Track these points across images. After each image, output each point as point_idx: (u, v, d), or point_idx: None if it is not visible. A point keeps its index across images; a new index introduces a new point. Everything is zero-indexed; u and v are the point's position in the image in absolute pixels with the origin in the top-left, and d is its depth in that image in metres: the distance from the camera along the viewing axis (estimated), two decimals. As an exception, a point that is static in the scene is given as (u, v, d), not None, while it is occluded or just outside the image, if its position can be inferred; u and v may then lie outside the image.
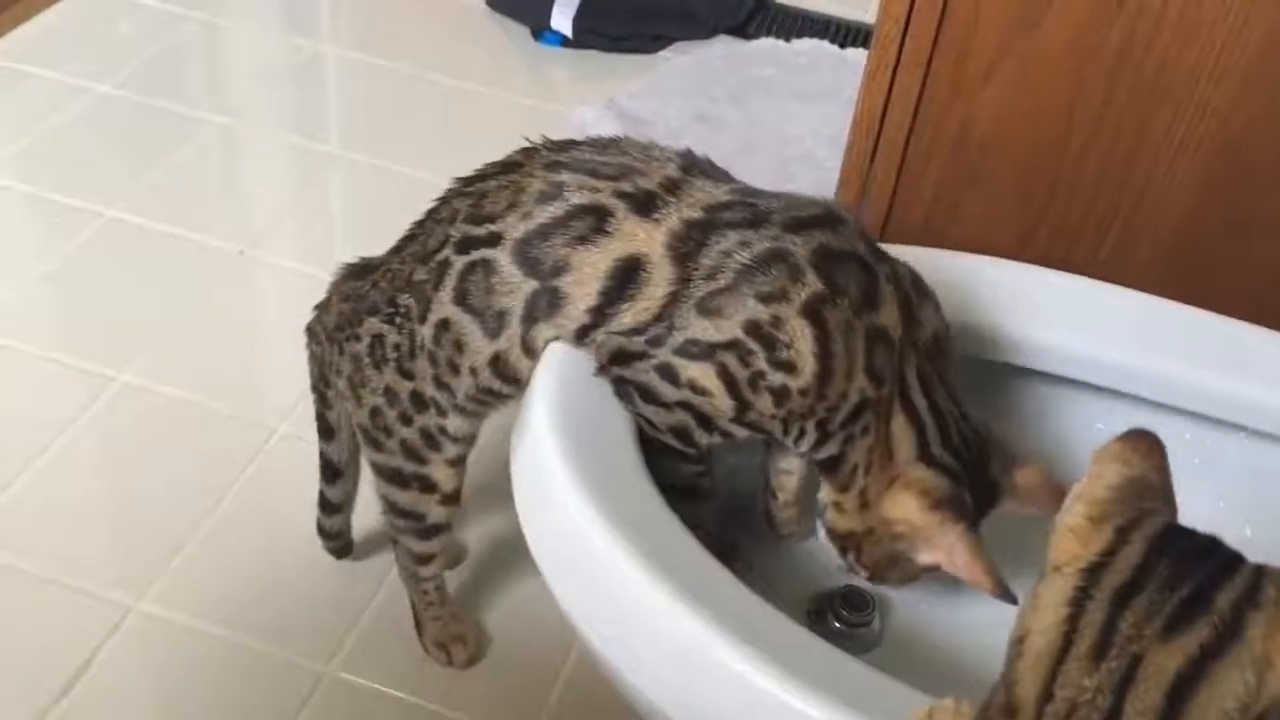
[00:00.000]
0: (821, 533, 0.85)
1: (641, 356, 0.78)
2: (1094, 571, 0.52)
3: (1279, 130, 1.06)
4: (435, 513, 1.00)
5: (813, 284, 0.75)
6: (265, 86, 1.94)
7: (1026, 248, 1.18)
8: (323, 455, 1.09)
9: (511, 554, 1.21)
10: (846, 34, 2.11)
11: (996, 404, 0.96)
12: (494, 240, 0.81)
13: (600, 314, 0.79)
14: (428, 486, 0.98)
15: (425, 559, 1.06)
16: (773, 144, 1.83)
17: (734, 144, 1.83)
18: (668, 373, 0.78)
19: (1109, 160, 1.13)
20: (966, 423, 0.81)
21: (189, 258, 1.55)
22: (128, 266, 1.54)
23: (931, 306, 0.82)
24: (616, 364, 0.79)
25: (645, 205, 0.78)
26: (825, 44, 2.08)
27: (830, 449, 0.80)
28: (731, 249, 0.76)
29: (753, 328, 0.75)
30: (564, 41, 2.01)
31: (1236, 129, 1.08)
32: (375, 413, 0.93)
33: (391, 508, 1.01)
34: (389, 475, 0.98)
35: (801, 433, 0.79)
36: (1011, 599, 0.76)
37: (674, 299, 0.77)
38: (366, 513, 1.14)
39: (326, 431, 1.07)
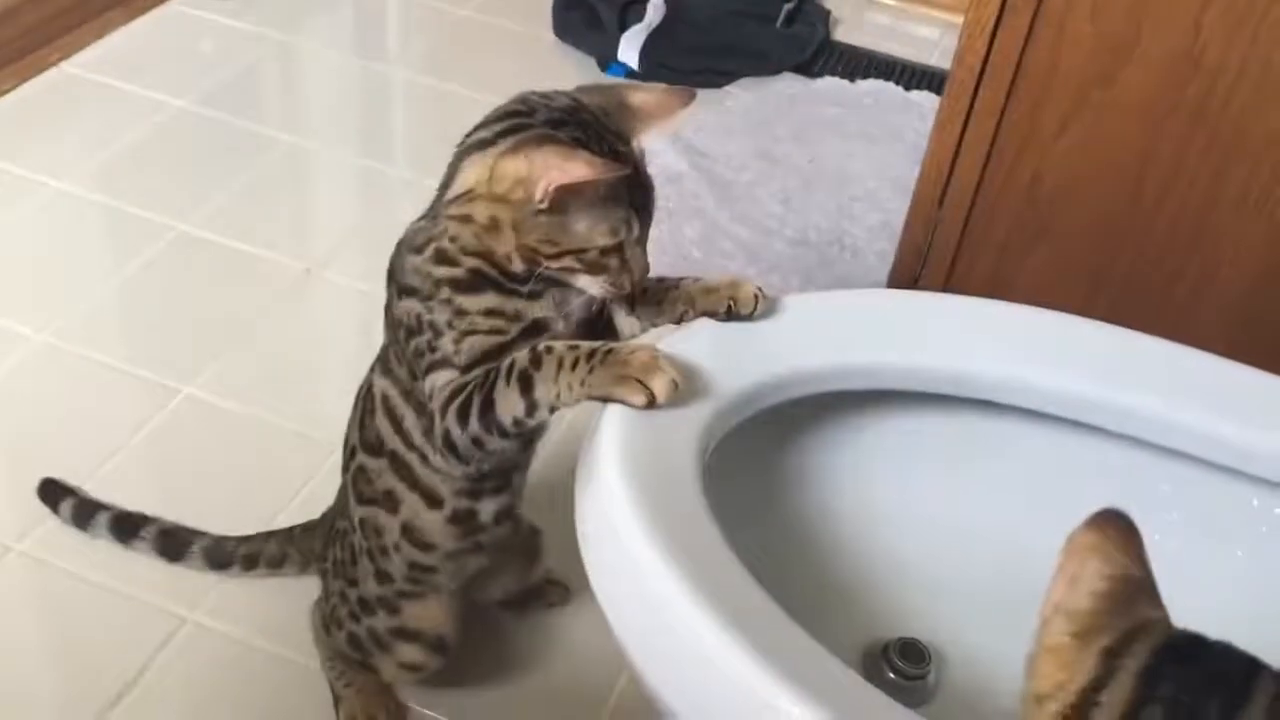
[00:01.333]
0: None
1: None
2: (1083, 712, 0.45)
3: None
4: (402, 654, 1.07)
5: (389, 291, 0.92)
6: (336, 108, 1.98)
7: (1093, 300, 1.17)
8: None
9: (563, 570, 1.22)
10: (911, 76, 2.11)
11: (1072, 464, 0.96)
12: (354, 451, 1.00)
13: (410, 444, 0.94)
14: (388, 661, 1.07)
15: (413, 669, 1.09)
16: (834, 183, 1.84)
17: (796, 181, 1.84)
18: (438, 425, 0.88)
19: (1180, 217, 1.13)
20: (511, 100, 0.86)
21: (257, 274, 1.58)
22: (197, 281, 1.57)
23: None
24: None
25: (380, 363, 0.97)
26: (890, 85, 2.08)
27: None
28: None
29: (406, 343, 0.91)
30: (630, 74, 2.03)
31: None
32: (333, 610, 1.08)
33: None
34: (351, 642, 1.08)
35: (492, 310, 0.86)
36: (624, 170, 0.80)
37: (405, 394, 0.95)
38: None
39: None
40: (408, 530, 0.97)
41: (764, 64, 2.09)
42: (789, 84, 2.08)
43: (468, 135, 0.86)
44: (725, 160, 1.87)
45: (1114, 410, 0.91)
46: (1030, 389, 0.91)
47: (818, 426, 0.94)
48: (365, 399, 0.99)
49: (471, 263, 0.85)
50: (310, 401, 1.46)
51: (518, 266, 0.84)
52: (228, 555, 1.20)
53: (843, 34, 2.23)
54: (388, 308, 0.92)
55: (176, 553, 1.20)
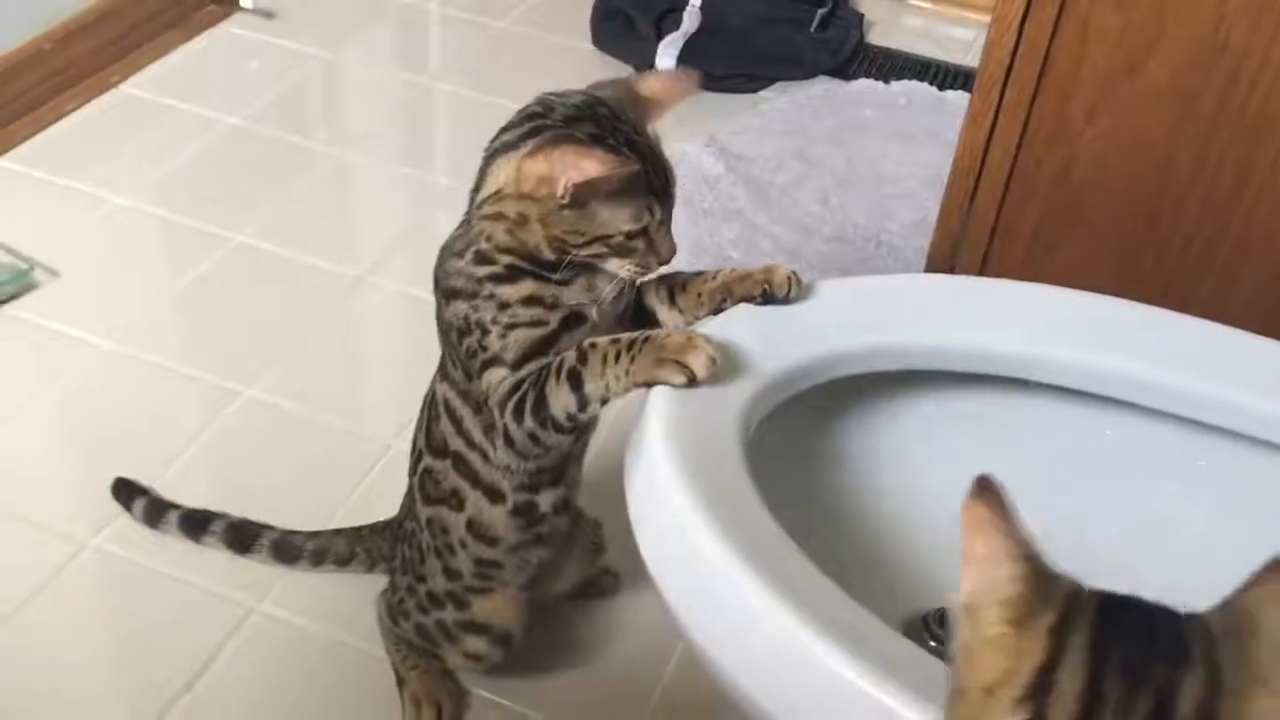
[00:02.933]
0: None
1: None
2: (1039, 697, 0.47)
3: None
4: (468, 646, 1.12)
5: (438, 299, 0.97)
6: (381, 121, 2.03)
7: (1125, 286, 1.20)
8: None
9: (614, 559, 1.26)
10: (945, 76, 2.14)
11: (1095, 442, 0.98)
12: (420, 455, 1.05)
13: (472, 444, 0.99)
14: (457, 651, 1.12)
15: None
16: (870, 182, 1.87)
17: (833, 182, 1.87)
18: (501, 422, 0.94)
19: (1210, 201, 1.15)
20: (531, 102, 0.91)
21: (309, 281, 1.64)
22: (253, 288, 1.63)
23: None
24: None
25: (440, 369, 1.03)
26: (924, 86, 2.11)
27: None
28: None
29: (460, 344, 0.96)
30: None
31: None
32: (400, 602, 1.13)
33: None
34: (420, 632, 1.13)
35: (530, 298, 0.91)
36: (634, 168, 0.84)
37: (463, 395, 0.99)
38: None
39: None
40: (473, 526, 1.02)
41: (799, 68, 2.13)
42: (824, 87, 2.11)
43: (494, 139, 0.92)
44: (762, 163, 1.90)
45: (1146, 386, 0.93)
46: (1063, 367, 0.93)
47: (856, 407, 0.97)
48: (430, 405, 1.04)
49: (507, 259, 0.91)
50: (362, 402, 1.51)
51: (549, 255, 0.89)
52: (295, 550, 1.25)
53: (877, 37, 2.26)
54: (438, 314, 0.97)
55: (245, 546, 1.25)
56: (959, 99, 2.03)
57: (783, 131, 1.98)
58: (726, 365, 0.84)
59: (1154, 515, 0.98)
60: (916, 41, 2.25)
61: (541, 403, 0.90)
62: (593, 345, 0.88)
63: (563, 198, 0.85)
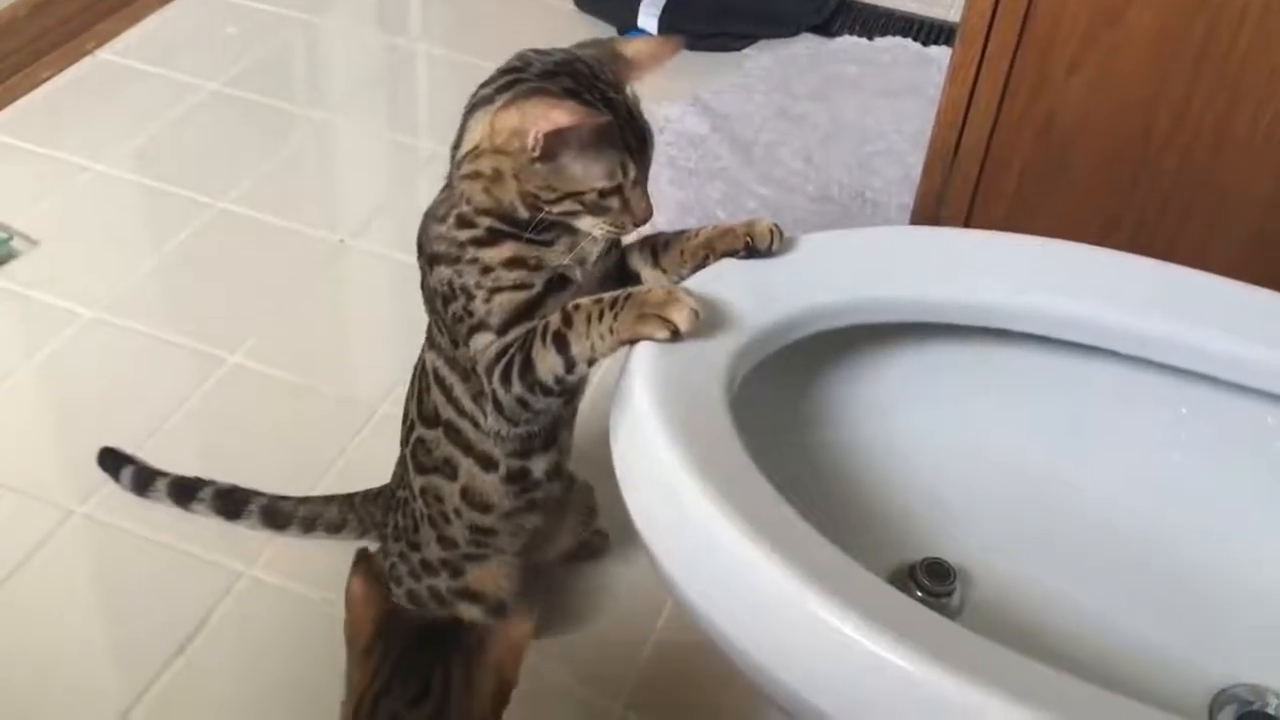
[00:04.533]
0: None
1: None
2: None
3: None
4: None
5: (421, 266, 0.97)
6: (362, 84, 2.02)
7: (1108, 238, 1.20)
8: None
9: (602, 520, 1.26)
10: (929, 31, 2.13)
11: (1085, 387, 0.99)
12: (413, 425, 1.05)
13: (463, 413, 1.00)
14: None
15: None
16: (854, 139, 1.86)
17: (816, 139, 1.86)
18: (491, 388, 0.94)
19: (1191, 152, 1.15)
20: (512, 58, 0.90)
21: (293, 247, 1.63)
22: (236, 255, 1.62)
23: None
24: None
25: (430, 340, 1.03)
26: (908, 41, 2.10)
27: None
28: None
29: (445, 310, 0.95)
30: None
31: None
32: (392, 568, 1.13)
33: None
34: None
35: (513, 260, 0.91)
36: (600, 117, 0.84)
37: (449, 363, 0.99)
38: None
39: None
40: (466, 494, 1.02)
41: (781, 26, 2.11)
42: (807, 44, 2.10)
43: (473, 95, 0.91)
44: (746, 121, 1.90)
45: (1129, 335, 0.93)
46: (1045, 317, 0.94)
47: (841, 360, 0.97)
48: (420, 375, 1.04)
49: (487, 221, 0.90)
50: (348, 367, 1.51)
51: (523, 213, 0.89)
52: (286, 516, 1.24)
53: (859, -7, 2.24)
54: (423, 282, 0.97)
55: (234, 513, 1.25)
56: (942, 54, 2.02)
57: (766, 90, 1.97)
58: (710, 320, 0.84)
59: (1137, 462, 0.99)
60: (898, -4, 2.23)
61: (529, 367, 0.89)
62: (576, 306, 0.88)
63: (533, 150, 0.85)
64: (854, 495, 0.97)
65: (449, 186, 0.93)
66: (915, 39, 2.11)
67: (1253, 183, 1.15)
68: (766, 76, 2.01)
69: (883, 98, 1.96)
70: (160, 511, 1.28)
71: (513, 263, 0.90)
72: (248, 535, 1.26)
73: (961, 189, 1.24)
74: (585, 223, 0.89)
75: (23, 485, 1.30)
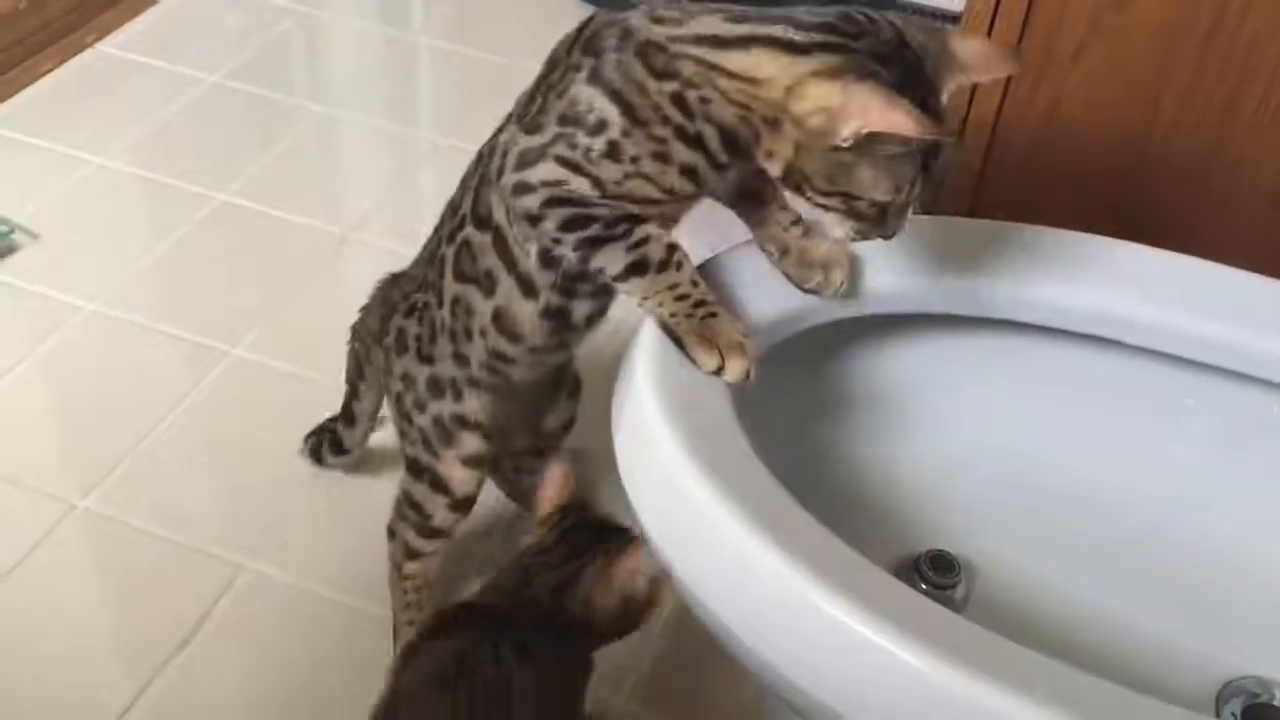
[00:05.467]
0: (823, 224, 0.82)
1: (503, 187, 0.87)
2: None
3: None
4: (440, 515, 1.06)
5: (585, 65, 0.82)
6: (364, 77, 2.01)
7: (1112, 226, 1.19)
8: (335, 433, 1.28)
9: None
10: (932, 19, 2.11)
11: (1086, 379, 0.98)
12: (463, 221, 0.94)
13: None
14: (438, 484, 1.04)
15: (414, 554, 1.10)
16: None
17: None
18: (522, 187, 0.84)
19: (1197, 138, 1.14)
20: (833, 7, 0.78)
21: (294, 240, 1.62)
22: (237, 248, 1.61)
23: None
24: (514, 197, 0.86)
25: (521, 119, 0.89)
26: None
27: (702, 142, 0.80)
28: (554, 99, 0.85)
29: (562, 119, 0.82)
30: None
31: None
32: (398, 399, 1.05)
33: (405, 497, 1.08)
34: (411, 465, 1.06)
35: (678, 161, 0.80)
36: (950, 134, 0.74)
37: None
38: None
39: (349, 419, 1.24)
40: (499, 316, 0.93)
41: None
42: (810, 34, 2.08)
43: (756, 22, 0.78)
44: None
45: (1135, 325, 0.93)
46: (1053, 307, 0.93)
47: (845, 351, 0.97)
48: (486, 159, 0.91)
49: (707, 128, 0.79)
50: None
51: (774, 171, 0.79)
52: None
53: (862, -18, 2.23)
54: (556, 63, 0.86)
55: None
56: (946, 43, 2.01)
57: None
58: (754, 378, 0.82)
59: (1143, 453, 0.98)
60: (903, -15, 2.22)
61: (595, 244, 0.82)
62: (679, 264, 0.82)
63: (845, 140, 0.74)
64: (859, 487, 0.97)
65: (667, 53, 0.79)
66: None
67: (1260, 169, 1.14)
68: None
69: (887, 86, 1.95)
70: (162, 505, 1.27)
71: (686, 171, 0.81)
72: (250, 529, 1.26)
73: (966, 176, 1.23)
74: (830, 219, 0.80)
75: (26, 479, 1.30)
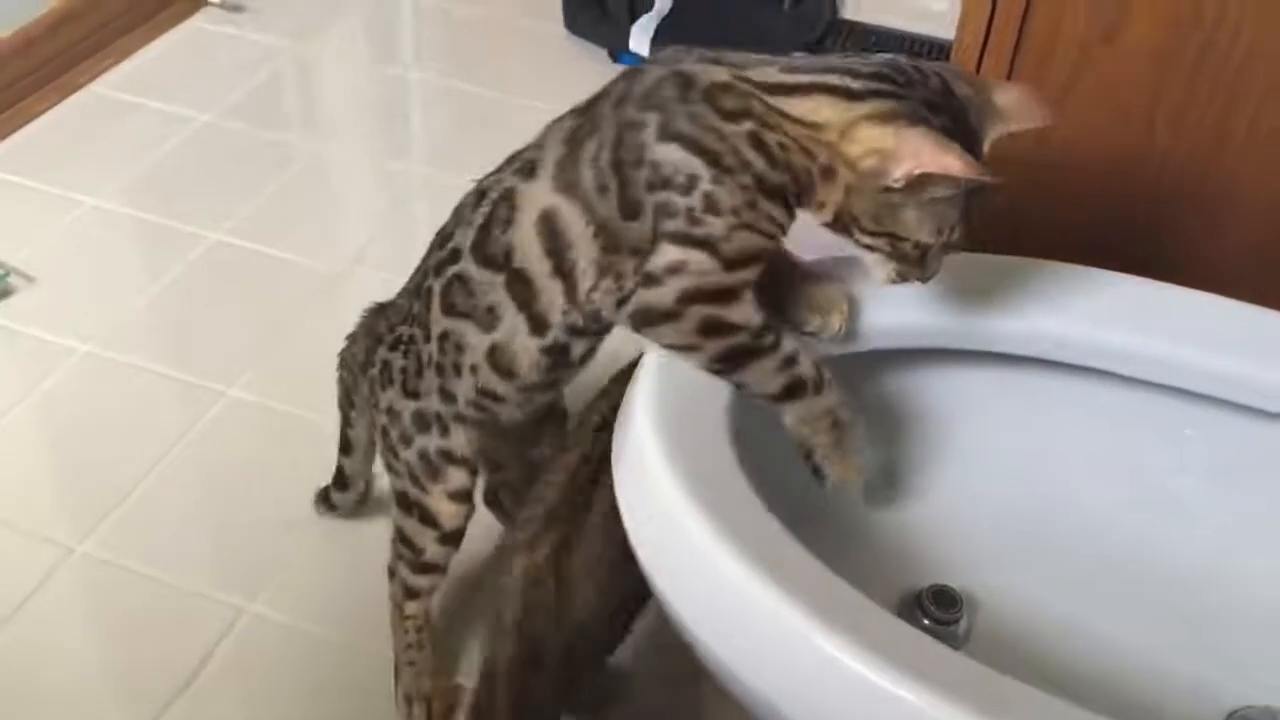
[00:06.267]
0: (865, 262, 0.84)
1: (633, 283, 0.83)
2: None
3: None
4: (431, 549, 1.06)
5: (651, 122, 0.81)
6: (357, 114, 2.02)
7: (1110, 255, 1.19)
8: (339, 465, 1.25)
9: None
10: (921, 49, 2.13)
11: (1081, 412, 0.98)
12: (456, 256, 0.92)
13: (560, 272, 0.86)
14: (427, 518, 1.04)
15: (413, 593, 1.10)
16: (850, 158, 1.86)
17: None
18: (647, 278, 0.81)
19: (1189, 166, 1.15)
20: (882, 62, 0.80)
21: (290, 278, 1.63)
22: (232, 287, 1.62)
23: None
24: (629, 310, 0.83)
25: (530, 170, 0.87)
26: (900, 60, 2.10)
27: (784, 192, 0.81)
28: (594, 155, 0.83)
29: (649, 185, 0.81)
30: (642, 63, 2.05)
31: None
32: (384, 432, 1.05)
33: (398, 534, 1.08)
34: (400, 499, 1.06)
35: (769, 215, 0.80)
36: (996, 178, 0.76)
37: (599, 228, 0.84)
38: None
39: (345, 447, 1.22)
40: (495, 352, 0.91)
41: (773, 45, 2.10)
42: (799, 64, 2.10)
43: (807, 68, 0.81)
44: (740, 142, 1.89)
45: (1129, 356, 0.93)
46: (1048, 339, 0.93)
47: (846, 387, 0.97)
48: (498, 205, 0.89)
49: (783, 177, 0.80)
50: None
51: (824, 219, 0.81)
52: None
53: (850, 11, 2.24)
54: (609, 127, 0.83)
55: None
56: (935, 71, 2.02)
57: (760, 110, 1.97)
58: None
59: (1143, 484, 0.98)
60: (890, 15, 2.23)
61: (741, 363, 0.81)
62: (830, 382, 0.82)
63: (896, 181, 0.76)
64: (861, 524, 0.97)
65: (735, 92, 0.80)
66: (906, 56, 2.10)
67: (1259, 182, 1.15)
68: (760, 96, 2.00)
69: (877, 115, 1.96)
70: (159, 548, 1.27)
71: (774, 220, 0.81)
72: (248, 571, 1.25)
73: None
74: (873, 259, 0.83)
75: (22, 523, 1.29)
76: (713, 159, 0.79)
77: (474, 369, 0.94)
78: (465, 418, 0.99)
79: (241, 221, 1.70)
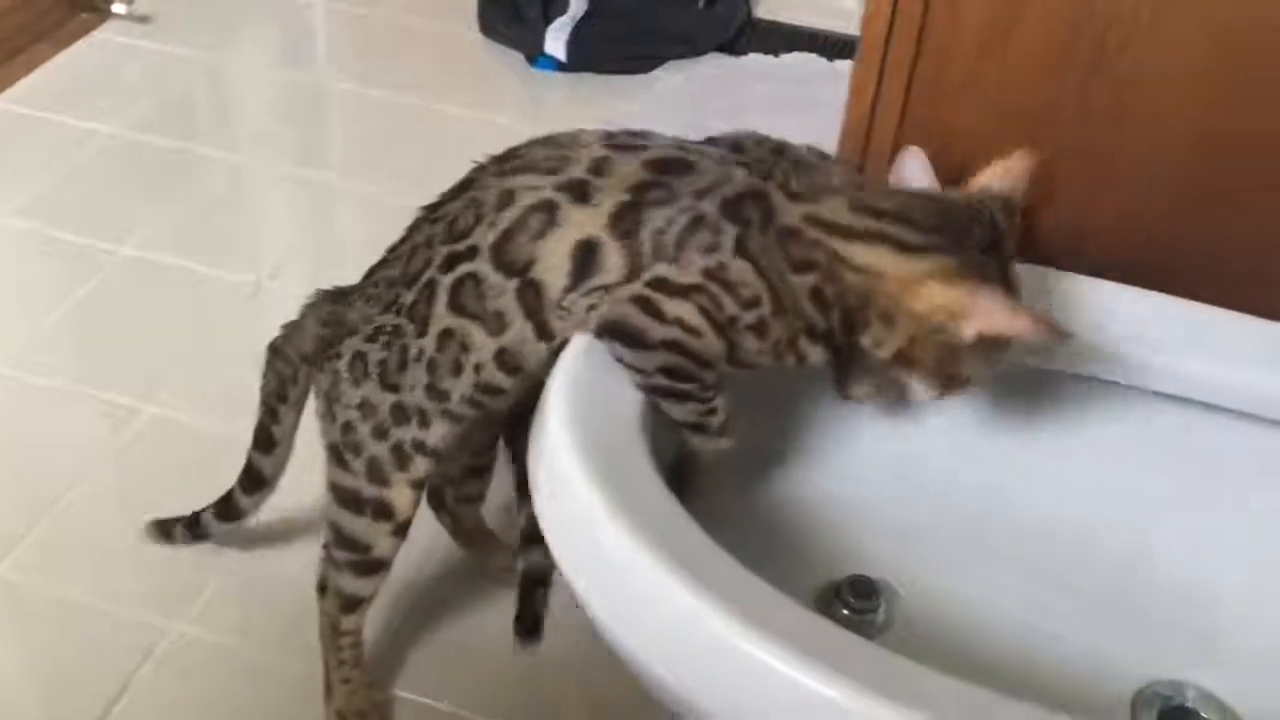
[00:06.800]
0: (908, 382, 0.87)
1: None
2: None
3: (1250, 120, 1.10)
4: (382, 543, 1.03)
5: (729, 230, 0.83)
6: (270, 122, 2.00)
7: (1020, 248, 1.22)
8: (251, 465, 1.18)
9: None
10: (833, 46, 2.16)
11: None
12: (472, 253, 0.89)
13: (575, 290, 0.87)
14: (383, 512, 1.01)
15: (352, 604, 1.07)
16: (767, 156, 1.88)
17: (729, 158, 1.88)
18: (649, 307, 0.83)
19: (1090, 156, 1.18)
20: (939, 201, 0.85)
21: (207, 291, 1.60)
22: (147, 303, 1.59)
23: (838, 163, 0.89)
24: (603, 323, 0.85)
25: (581, 193, 0.86)
26: (814, 57, 2.13)
27: (831, 334, 0.85)
28: (662, 227, 0.84)
29: (709, 273, 0.83)
30: (558, 66, 2.06)
31: (1214, 119, 1.12)
32: (348, 428, 0.99)
33: (337, 538, 1.04)
34: (347, 499, 1.02)
35: (801, 352, 0.85)
36: (1066, 335, 0.80)
37: (632, 271, 0.85)
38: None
39: (267, 444, 1.16)
40: (503, 354, 0.91)
41: (689, 46, 2.13)
42: (715, 64, 2.12)
43: (879, 208, 0.84)
44: (658, 142, 1.90)
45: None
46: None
47: (756, 379, 0.98)
48: (531, 213, 0.87)
49: (834, 324, 0.84)
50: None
51: (880, 355, 0.84)
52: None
53: (764, 11, 2.27)
54: (687, 200, 0.84)
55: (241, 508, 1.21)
56: (848, 69, 2.05)
57: (677, 111, 1.99)
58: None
59: (1051, 467, 1.01)
60: (803, 13, 2.26)
61: (675, 395, 0.85)
62: (731, 434, 0.88)
63: (967, 338, 0.81)
64: (776, 518, 0.98)
65: (804, 241, 0.83)
66: (820, 54, 2.14)
67: (1156, 178, 1.18)
68: (676, 98, 2.02)
69: (793, 113, 1.98)
70: (78, 570, 1.25)
71: (799, 355, 0.86)
72: (171, 591, 1.24)
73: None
74: (922, 385, 0.86)
75: (-67, 551, 1.27)
76: (774, 295, 0.83)
77: (478, 367, 0.92)
78: (453, 414, 0.96)
79: (154, 235, 1.68)
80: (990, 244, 0.84)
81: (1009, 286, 0.84)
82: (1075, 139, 1.16)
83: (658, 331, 0.83)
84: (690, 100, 2.02)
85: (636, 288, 0.83)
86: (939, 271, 0.81)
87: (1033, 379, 0.97)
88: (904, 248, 0.82)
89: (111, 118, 1.88)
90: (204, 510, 1.24)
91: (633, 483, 0.77)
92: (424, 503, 1.20)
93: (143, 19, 2.09)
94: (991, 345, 0.82)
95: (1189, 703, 0.92)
